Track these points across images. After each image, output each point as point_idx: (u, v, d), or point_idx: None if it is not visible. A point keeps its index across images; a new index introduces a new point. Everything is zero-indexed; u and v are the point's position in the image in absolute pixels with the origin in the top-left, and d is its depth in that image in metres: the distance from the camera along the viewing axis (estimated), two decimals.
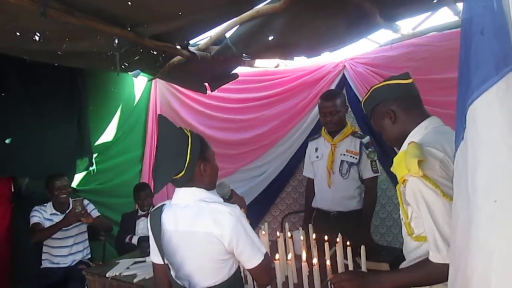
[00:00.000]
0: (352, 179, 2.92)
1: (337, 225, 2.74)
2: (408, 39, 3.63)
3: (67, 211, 3.49)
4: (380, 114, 1.65)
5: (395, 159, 1.47)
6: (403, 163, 1.39)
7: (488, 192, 0.85)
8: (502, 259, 0.85)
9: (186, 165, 1.54)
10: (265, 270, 1.59)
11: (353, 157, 2.90)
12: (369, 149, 2.89)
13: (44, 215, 3.51)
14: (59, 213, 3.55)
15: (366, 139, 2.93)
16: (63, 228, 3.40)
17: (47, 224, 3.45)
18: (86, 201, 3.56)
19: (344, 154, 2.92)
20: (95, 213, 3.66)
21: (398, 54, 3.63)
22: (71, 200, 3.59)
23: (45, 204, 3.58)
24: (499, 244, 0.85)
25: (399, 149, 1.61)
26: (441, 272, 1.33)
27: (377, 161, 2.91)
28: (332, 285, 1.63)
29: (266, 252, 1.58)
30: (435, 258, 1.35)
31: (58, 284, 3.38)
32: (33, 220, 3.43)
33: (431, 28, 3.56)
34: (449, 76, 3.22)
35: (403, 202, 1.48)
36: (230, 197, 1.93)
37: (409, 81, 1.63)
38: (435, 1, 2.68)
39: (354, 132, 2.98)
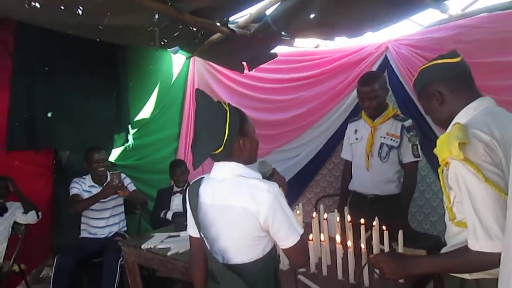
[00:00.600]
0: (391, 163, 2.84)
1: (374, 209, 2.69)
2: (456, 20, 3.45)
3: (104, 184, 3.58)
4: (427, 96, 1.59)
5: (438, 141, 1.41)
6: (446, 145, 1.33)
7: None
8: None
9: (225, 139, 1.51)
10: (301, 251, 1.56)
11: (394, 140, 2.81)
12: (411, 133, 2.79)
13: (83, 186, 3.62)
14: (97, 185, 3.66)
15: (408, 122, 2.82)
16: (101, 200, 3.51)
17: (85, 195, 3.56)
18: (123, 175, 3.64)
19: (384, 137, 2.84)
20: (131, 187, 3.74)
21: (445, 35, 3.45)
22: (108, 173, 3.68)
23: (84, 176, 3.69)
24: None
25: (445, 128, 1.54)
26: (479, 261, 1.28)
27: (418, 145, 2.81)
28: (371, 265, 1.60)
29: (303, 233, 1.55)
30: (473, 245, 1.30)
31: (95, 254, 3.50)
32: (72, 191, 3.55)
33: (482, 9, 3.36)
34: (500, 60, 3.06)
35: (445, 186, 1.42)
36: (271, 176, 1.91)
37: (457, 59, 1.54)
38: None
39: (396, 115, 2.88)
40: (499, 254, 1.02)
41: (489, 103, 1.48)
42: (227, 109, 1.56)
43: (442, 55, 1.59)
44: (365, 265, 1.78)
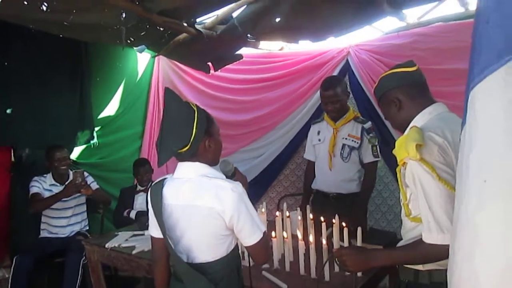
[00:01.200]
0: (353, 163, 2.98)
1: (336, 207, 2.81)
2: (413, 28, 3.63)
3: (66, 183, 3.52)
4: (386, 102, 1.70)
5: (396, 142, 1.52)
6: (404, 146, 1.43)
7: (479, 172, 0.90)
8: (486, 234, 0.90)
9: (191, 139, 1.54)
10: (263, 248, 1.61)
11: (355, 141, 2.94)
12: (371, 134, 2.93)
13: (43, 185, 3.54)
14: (58, 184, 3.59)
15: (368, 124, 2.97)
16: (62, 199, 3.45)
17: (46, 194, 3.49)
18: (85, 173, 3.59)
19: (346, 138, 2.97)
20: (94, 186, 3.69)
21: (403, 42, 3.64)
22: (70, 172, 3.63)
23: (45, 175, 3.62)
24: (485, 219, 0.90)
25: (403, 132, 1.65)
26: (432, 253, 1.40)
27: (377, 146, 2.96)
28: (334, 259, 1.70)
29: (265, 231, 1.60)
30: (427, 238, 1.41)
31: (57, 254, 3.44)
32: (33, 190, 3.47)
33: (437, 18, 3.56)
34: (453, 67, 3.25)
35: (402, 184, 1.53)
36: (233, 175, 1.95)
37: (414, 68, 1.66)
38: None
39: (357, 117, 3.02)
40: (447, 246, 1.15)
41: (442, 109, 1.61)
42: (195, 109, 1.59)
43: (400, 64, 1.71)
44: (327, 260, 1.87)
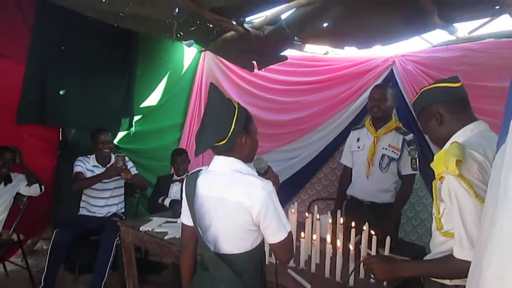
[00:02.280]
0: (390, 173, 2.97)
1: (368, 215, 2.81)
2: (463, 42, 3.57)
3: (108, 165, 3.68)
4: (427, 116, 1.70)
5: (436, 156, 1.53)
6: (443, 160, 1.45)
7: None
8: None
9: (229, 134, 1.59)
10: (287, 247, 1.64)
11: (395, 153, 2.93)
12: (411, 147, 2.91)
13: (86, 165, 3.72)
14: (100, 165, 3.76)
15: (410, 136, 2.94)
16: (103, 181, 3.61)
17: (88, 174, 3.66)
18: (126, 158, 3.73)
19: (386, 148, 2.96)
20: (133, 171, 3.84)
21: (451, 56, 3.57)
22: (112, 155, 3.79)
23: (89, 156, 3.79)
24: None
25: (441, 147, 1.66)
26: (462, 268, 1.39)
27: (417, 159, 2.93)
28: (363, 266, 1.73)
29: (290, 231, 1.64)
30: (458, 254, 1.42)
31: (93, 232, 3.61)
32: (76, 169, 3.65)
33: (489, 34, 3.49)
34: (501, 85, 3.17)
35: (437, 198, 1.54)
36: (265, 173, 2.00)
37: (458, 84, 1.66)
38: (497, 7, 2.63)
39: (398, 127, 3.00)
40: None
41: (484, 127, 1.61)
42: (236, 106, 1.65)
43: (444, 79, 1.72)
44: (356, 267, 1.90)
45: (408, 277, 1.72)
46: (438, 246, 1.59)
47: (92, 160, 3.78)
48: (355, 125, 3.37)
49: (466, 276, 1.43)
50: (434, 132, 1.70)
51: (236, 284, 1.59)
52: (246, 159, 1.72)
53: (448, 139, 1.63)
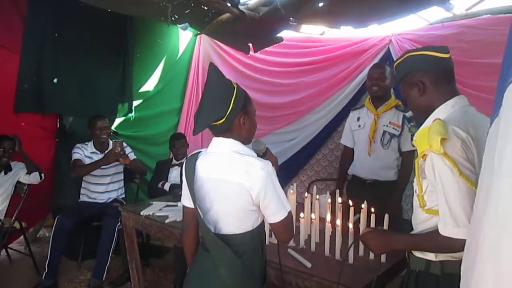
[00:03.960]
0: (392, 150, 3.00)
1: (371, 193, 2.85)
2: (460, 19, 3.54)
3: (106, 151, 3.68)
4: (409, 83, 1.64)
5: (417, 133, 1.52)
6: (426, 138, 1.43)
7: None
8: None
9: (227, 112, 1.59)
10: (287, 227, 1.65)
11: (395, 129, 2.96)
12: (411, 123, 2.93)
13: (85, 152, 3.73)
14: (98, 152, 3.77)
15: (409, 113, 2.92)
16: (102, 167, 3.62)
17: (87, 161, 3.67)
18: (124, 144, 3.73)
19: (387, 125, 3.00)
20: (132, 156, 3.85)
21: (448, 33, 3.55)
22: (110, 141, 3.79)
23: (87, 143, 3.80)
24: None
25: (421, 121, 1.63)
26: (447, 245, 1.43)
27: None
28: (361, 241, 1.78)
29: (290, 210, 1.65)
30: (442, 231, 1.43)
31: (94, 217, 3.64)
32: (75, 156, 3.66)
33: (486, 11, 3.46)
34: (498, 62, 3.14)
35: (419, 176, 1.53)
36: (264, 155, 2.01)
37: (446, 55, 1.59)
38: None
39: (398, 105, 3.02)
40: (464, 240, 1.17)
41: (464, 102, 1.58)
42: (235, 86, 1.65)
43: (433, 46, 1.64)
44: (352, 243, 1.92)
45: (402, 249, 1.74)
46: (421, 223, 1.59)
47: (90, 147, 3.79)
48: (353, 106, 3.38)
49: (450, 252, 1.46)
50: (414, 101, 1.65)
51: (237, 264, 1.60)
52: (245, 141, 1.72)
53: (428, 111, 1.60)
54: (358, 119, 3.18)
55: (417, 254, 1.62)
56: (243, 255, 1.64)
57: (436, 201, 1.48)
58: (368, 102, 3.13)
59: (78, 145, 3.75)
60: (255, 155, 1.71)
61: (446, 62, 1.60)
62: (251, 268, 1.64)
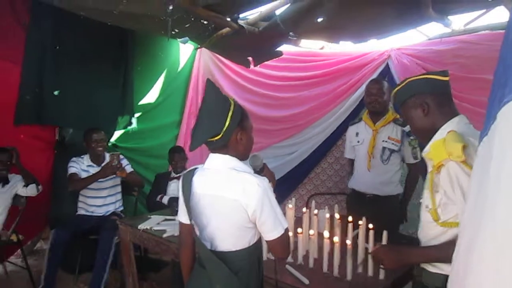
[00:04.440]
0: (392, 164, 3.01)
1: (371, 208, 2.84)
2: (459, 35, 3.57)
3: (103, 164, 3.66)
4: (413, 105, 1.71)
5: (431, 146, 1.56)
6: (443, 148, 1.47)
7: None
8: None
9: (224, 129, 1.59)
10: (283, 244, 1.64)
11: (395, 145, 2.97)
12: (411, 137, 2.93)
13: (81, 166, 3.69)
14: (95, 165, 3.74)
15: (408, 127, 2.96)
16: (99, 180, 3.59)
17: (83, 174, 3.64)
18: (121, 156, 3.70)
19: (386, 141, 3.00)
20: (128, 168, 3.82)
21: (446, 49, 3.57)
22: (107, 154, 3.77)
23: (83, 156, 3.76)
24: None
25: (424, 141, 1.69)
26: None
27: (418, 148, 2.95)
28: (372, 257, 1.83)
29: (287, 228, 1.64)
30: None
31: (91, 231, 3.60)
32: (71, 170, 3.62)
33: (484, 26, 3.48)
34: None
35: (432, 189, 1.55)
36: (261, 170, 2.00)
37: (447, 78, 1.69)
38: (491, 0, 2.64)
39: (396, 119, 3.02)
40: None
41: (466, 120, 1.65)
42: (232, 102, 1.65)
43: (434, 71, 1.75)
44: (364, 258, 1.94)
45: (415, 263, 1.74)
46: (436, 238, 1.59)
47: (86, 160, 3.76)
48: (352, 120, 3.38)
49: None
50: (418, 122, 1.71)
51: (233, 282, 1.59)
52: (242, 157, 1.71)
53: (432, 132, 1.65)
54: (357, 134, 3.18)
55: (432, 269, 1.62)
56: (239, 272, 1.62)
57: (452, 213, 1.50)
58: (366, 117, 3.14)
59: (74, 158, 3.71)
60: (252, 171, 1.70)
61: (448, 85, 1.69)
62: (247, 285, 1.63)
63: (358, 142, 3.15)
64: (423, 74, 1.76)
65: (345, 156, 3.46)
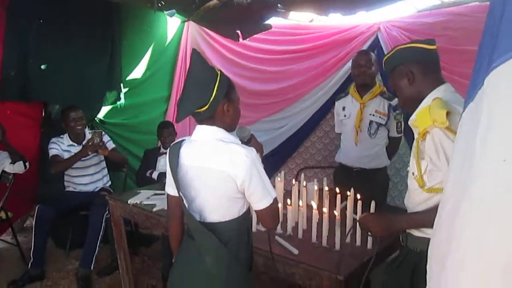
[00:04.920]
0: (379, 138, 3.02)
1: (357, 181, 2.84)
2: (448, 7, 3.55)
3: (84, 142, 3.57)
4: (399, 74, 1.74)
5: (417, 113, 1.59)
6: (428, 115, 1.49)
7: (499, 152, 0.89)
8: (503, 214, 0.88)
9: (210, 99, 1.58)
10: (272, 214, 1.65)
11: (382, 118, 2.97)
12: (397, 111, 2.95)
13: (61, 146, 3.61)
14: (76, 144, 3.65)
15: (395, 101, 2.95)
16: (83, 159, 3.53)
17: (65, 155, 3.57)
18: (103, 133, 3.63)
19: (373, 115, 2.99)
20: (110, 145, 3.75)
21: (435, 21, 3.56)
22: (87, 131, 3.71)
23: (62, 136, 3.68)
24: (503, 199, 0.88)
25: (410, 109, 1.73)
26: None
27: (402, 122, 2.98)
28: (359, 225, 1.84)
29: (275, 197, 1.65)
30: None
31: (81, 206, 3.60)
32: (52, 152, 3.55)
33: None
34: None
35: (418, 157, 1.58)
36: (248, 141, 1.98)
37: (433, 47, 1.70)
38: None
39: (383, 92, 3.01)
40: None
41: (452, 88, 1.66)
42: (218, 73, 1.63)
43: (420, 40, 1.76)
44: (351, 228, 1.99)
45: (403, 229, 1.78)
46: (422, 203, 1.64)
47: (66, 139, 3.66)
48: (339, 94, 3.37)
49: None
50: (404, 90, 1.74)
51: (222, 252, 1.60)
52: (229, 128, 1.70)
53: (418, 100, 1.68)
54: (344, 108, 3.16)
55: (417, 233, 1.67)
56: (229, 243, 1.63)
57: (437, 179, 1.54)
58: (353, 90, 3.11)
59: (53, 139, 3.61)
60: (239, 142, 1.69)
61: (434, 53, 1.71)
62: (236, 255, 1.64)
63: (345, 116, 3.13)
64: (410, 43, 1.78)
65: (336, 132, 3.44)
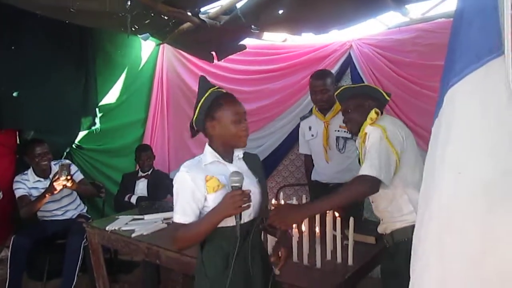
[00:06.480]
0: (348, 152, 3.06)
1: None
2: (416, 23, 3.66)
3: (50, 176, 3.48)
4: (360, 103, 2.04)
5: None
6: (366, 120, 1.88)
7: (455, 165, 0.97)
8: (458, 222, 0.96)
9: (193, 120, 1.71)
10: (171, 233, 1.76)
11: (347, 132, 3.00)
12: None
13: (27, 184, 3.51)
14: (42, 179, 3.54)
15: None
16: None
17: (33, 192, 3.47)
18: (70, 164, 3.56)
19: (338, 130, 3.05)
20: (78, 176, 3.67)
21: (405, 38, 3.66)
22: (53, 164, 3.61)
23: (26, 172, 3.57)
24: (458, 206, 0.97)
25: (356, 134, 2.03)
26: (363, 182, 1.75)
27: None
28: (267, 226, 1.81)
29: (178, 222, 1.61)
30: (365, 171, 1.75)
31: (57, 235, 3.52)
32: (18, 192, 3.43)
33: (441, 14, 3.58)
34: None
35: (363, 155, 1.84)
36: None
37: (388, 98, 2.08)
38: None
39: None
40: (378, 180, 1.68)
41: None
42: (207, 94, 1.70)
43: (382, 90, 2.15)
44: (258, 225, 1.78)
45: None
46: (389, 203, 1.93)
47: (31, 175, 3.54)
48: (304, 114, 3.43)
49: (366, 190, 1.77)
50: (359, 115, 2.00)
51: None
52: (224, 145, 1.71)
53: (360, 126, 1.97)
54: (310, 128, 3.24)
55: (399, 225, 1.84)
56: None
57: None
58: (315, 110, 3.21)
59: (17, 178, 3.48)
60: (208, 160, 1.68)
61: (386, 101, 2.09)
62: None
63: (312, 136, 3.20)
64: (376, 87, 2.28)
65: (300, 152, 3.50)
